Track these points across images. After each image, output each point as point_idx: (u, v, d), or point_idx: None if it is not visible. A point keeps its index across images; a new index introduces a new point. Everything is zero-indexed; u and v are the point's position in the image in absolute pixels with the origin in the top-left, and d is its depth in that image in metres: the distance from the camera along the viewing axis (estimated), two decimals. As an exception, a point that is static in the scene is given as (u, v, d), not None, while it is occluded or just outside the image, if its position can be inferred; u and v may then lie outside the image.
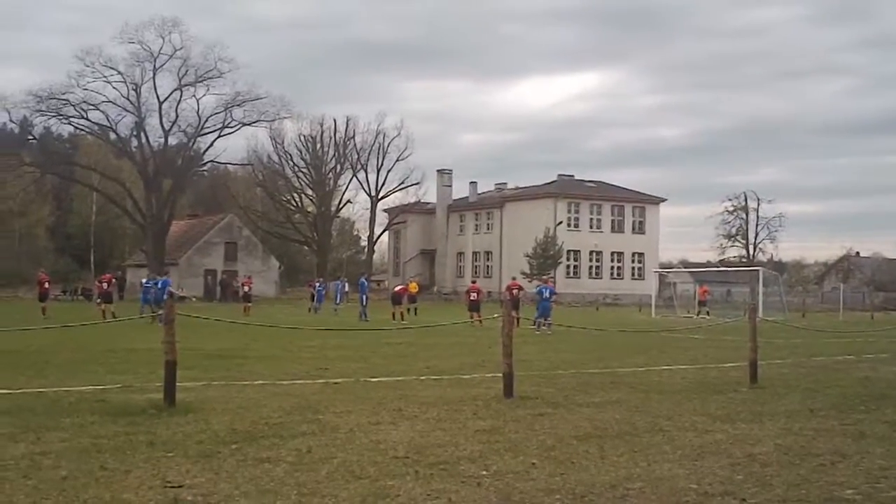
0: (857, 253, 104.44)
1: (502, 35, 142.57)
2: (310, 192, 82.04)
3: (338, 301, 44.77)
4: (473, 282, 36.98)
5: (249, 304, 42.43)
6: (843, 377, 14.52)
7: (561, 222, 73.63)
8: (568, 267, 75.22)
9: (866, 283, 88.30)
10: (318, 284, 49.08)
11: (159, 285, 32.01)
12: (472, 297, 33.34)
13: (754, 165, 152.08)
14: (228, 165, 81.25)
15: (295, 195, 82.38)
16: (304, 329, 21.85)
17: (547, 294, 29.33)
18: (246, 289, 44.77)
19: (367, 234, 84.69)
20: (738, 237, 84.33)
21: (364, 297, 36.74)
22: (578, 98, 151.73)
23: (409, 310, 36.29)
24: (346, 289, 50.14)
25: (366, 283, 38.03)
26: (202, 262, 71.96)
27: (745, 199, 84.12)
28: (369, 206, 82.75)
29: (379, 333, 23.08)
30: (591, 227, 77.04)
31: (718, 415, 10.07)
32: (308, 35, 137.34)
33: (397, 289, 37.74)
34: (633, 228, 78.94)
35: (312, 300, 45.84)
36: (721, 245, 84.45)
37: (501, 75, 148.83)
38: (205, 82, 67.90)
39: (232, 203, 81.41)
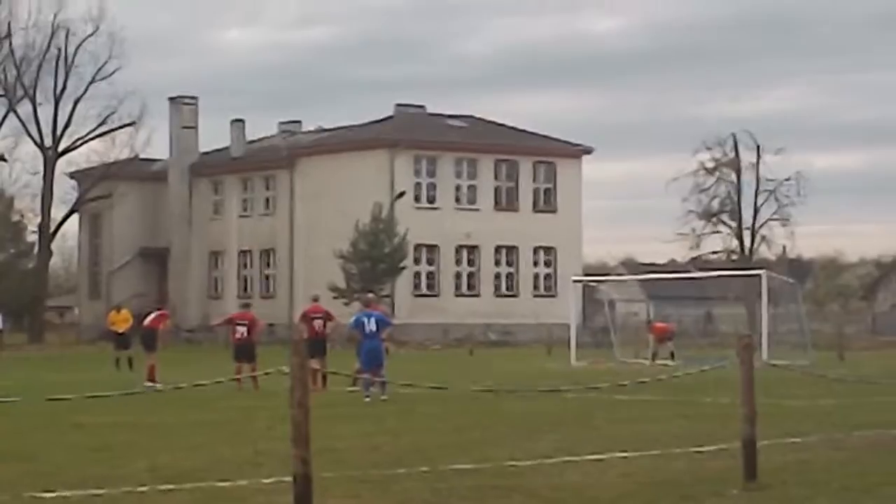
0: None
1: None
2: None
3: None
4: (246, 304, 37.01)
5: None
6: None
7: (403, 193, 73.86)
8: (417, 276, 75.58)
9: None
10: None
11: None
12: (238, 336, 33.18)
13: (753, 85, 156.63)
14: None
15: None
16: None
17: (374, 326, 29.42)
18: None
19: (39, 219, 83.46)
20: (725, 217, 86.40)
21: None
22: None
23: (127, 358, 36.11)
24: (1, 326, 50.08)
25: None
26: None
27: (736, 148, 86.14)
28: (42, 167, 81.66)
29: (58, 406, 22.65)
30: (457, 200, 77.53)
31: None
32: None
33: (150, 320, 36.79)
34: (536, 203, 79.88)
35: None
36: (694, 231, 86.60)
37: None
38: None
39: None
